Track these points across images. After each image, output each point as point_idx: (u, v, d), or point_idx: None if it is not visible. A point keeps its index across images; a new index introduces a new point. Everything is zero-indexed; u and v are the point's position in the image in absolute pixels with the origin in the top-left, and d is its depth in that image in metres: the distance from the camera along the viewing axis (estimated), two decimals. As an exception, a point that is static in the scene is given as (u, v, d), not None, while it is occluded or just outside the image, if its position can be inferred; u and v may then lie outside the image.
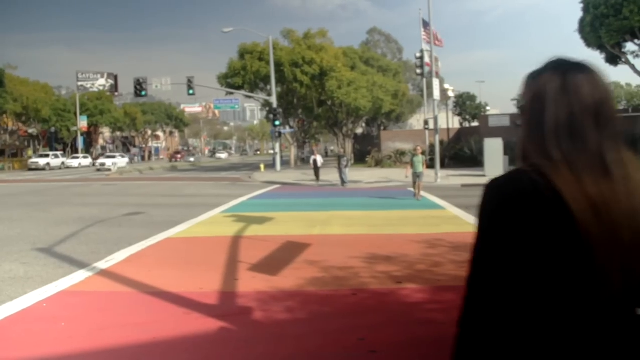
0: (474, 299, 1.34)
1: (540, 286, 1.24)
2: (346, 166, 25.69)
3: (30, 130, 70.09)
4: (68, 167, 58.13)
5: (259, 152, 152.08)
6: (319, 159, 29.58)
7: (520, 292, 1.25)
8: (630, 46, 32.52)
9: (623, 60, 32.63)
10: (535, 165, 1.31)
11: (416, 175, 18.26)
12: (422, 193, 19.45)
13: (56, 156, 59.74)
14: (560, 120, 1.33)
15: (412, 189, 19.15)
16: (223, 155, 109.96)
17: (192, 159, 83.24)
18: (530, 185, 1.26)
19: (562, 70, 1.38)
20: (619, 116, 1.44)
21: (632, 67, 32.92)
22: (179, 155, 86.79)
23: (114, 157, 63.00)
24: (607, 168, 1.29)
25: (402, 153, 44.40)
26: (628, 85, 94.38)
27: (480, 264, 1.34)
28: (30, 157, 61.33)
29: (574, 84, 1.35)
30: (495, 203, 1.30)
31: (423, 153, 19.72)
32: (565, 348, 1.23)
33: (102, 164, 53.87)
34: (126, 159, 66.25)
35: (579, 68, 1.39)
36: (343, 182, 25.10)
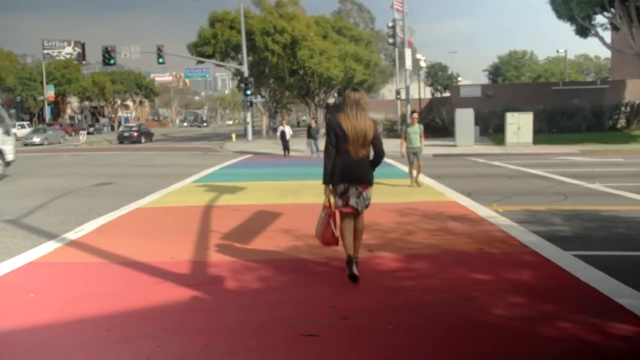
0: (325, 146, 5.94)
1: (335, 140, 5.83)
2: (317, 135, 25.57)
3: (-6, 100, 68.31)
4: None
5: (205, 125, 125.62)
6: (288, 130, 27.34)
7: (331, 141, 5.86)
8: (599, 18, 32.75)
9: (592, 32, 32.85)
10: (339, 114, 5.95)
11: (412, 153, 13.87)
12: (394, 163, 19.23)
13: (22, 127, 57.67)
14: (346, 104, 5.94)
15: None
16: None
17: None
18: (336, 118, 5.92)
19: (349, 90, 6.13)
20: (365, 101, 5.95)
21: (601, 39, 33.19)
22: None
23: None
24: (357, 117, 5.84)
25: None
26: (597, 57, 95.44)
27: (326, 137, 5.94)
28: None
29: (350, 94, 5.99)
30: (328, 121, 6.04)
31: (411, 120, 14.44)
32: (337, 163, 5.86)
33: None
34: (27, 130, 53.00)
35: (355, 90, 6.10)
36: (316, 150, 24.94)
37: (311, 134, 25.65)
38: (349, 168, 5.83)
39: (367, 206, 6.10)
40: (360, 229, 6.14)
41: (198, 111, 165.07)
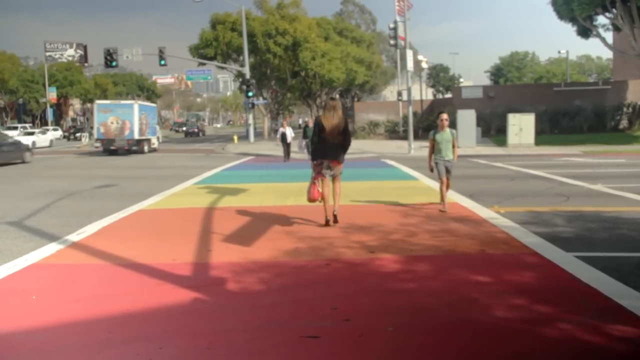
0: (312, 138, 9.18)
1: (318, 131, 8.95)
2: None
3: (-4, 102, 68.39)
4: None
5: (178, 130, 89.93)
6: (289, 132, 25.78)
7: (316, 133, 9.01)
8: (601, 19, 32.75)
9: (594, 33, 32.85)
10: (321, 114, 9.25)
11: (443, 165, 10.55)
12: (395, 164, 19.12)
13: (24, 128, 55.63)
14: (326, 108, 9.14)
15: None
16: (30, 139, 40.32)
17: None
18: (319, 117, 9.14)
19: (328, 99, 10.35)
20: (339, 106, 9.11)
21: (603, 40, 33.19)
22: None
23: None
24: (333, 117, 8.91)
25: (376, 124, 44.54)
26: (598, 58, 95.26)
27: (313, 131, 9.17)
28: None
29: (329, 102, 9.32)
30: (315, 121, 9.28)
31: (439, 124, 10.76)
32: (318, 146, 9.06)
33: None
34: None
35: (333, 99, 10.30)
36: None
37: (307, 134, 25.63)
38: (327, 150, 8.93)
39: (340, 173, 9.18)
40: (337, 190, 9.21)
41: (200, 113, 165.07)
